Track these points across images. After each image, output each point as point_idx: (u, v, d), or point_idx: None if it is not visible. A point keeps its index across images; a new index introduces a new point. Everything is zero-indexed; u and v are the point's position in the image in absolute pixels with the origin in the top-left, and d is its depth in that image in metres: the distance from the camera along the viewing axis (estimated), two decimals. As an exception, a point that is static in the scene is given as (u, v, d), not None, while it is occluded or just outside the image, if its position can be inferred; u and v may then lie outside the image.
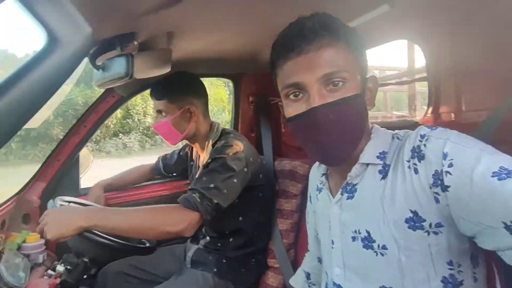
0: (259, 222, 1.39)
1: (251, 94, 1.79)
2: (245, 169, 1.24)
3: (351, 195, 0.71)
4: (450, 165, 0.55)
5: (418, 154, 0.61)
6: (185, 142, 1.52)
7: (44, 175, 1.42)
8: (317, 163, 0.92)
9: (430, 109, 1.10)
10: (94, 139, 8.47)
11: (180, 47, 1.27)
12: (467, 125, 0.96)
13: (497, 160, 0.53)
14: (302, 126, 0.67)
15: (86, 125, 1.46)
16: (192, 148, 1.57)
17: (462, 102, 1.01)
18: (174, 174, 1.71)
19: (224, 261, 1.34)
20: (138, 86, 1.53)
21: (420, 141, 0.61)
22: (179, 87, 1.34)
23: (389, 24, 1.13)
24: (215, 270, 1.32)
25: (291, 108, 0.68)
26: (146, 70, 1.24)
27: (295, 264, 1.36)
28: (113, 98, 1.50)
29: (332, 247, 0.75)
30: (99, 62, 0.99)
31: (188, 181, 1.66)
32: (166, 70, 1.29)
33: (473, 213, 0.53)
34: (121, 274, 1.37)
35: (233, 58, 1.56)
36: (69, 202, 1.27)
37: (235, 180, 1.20)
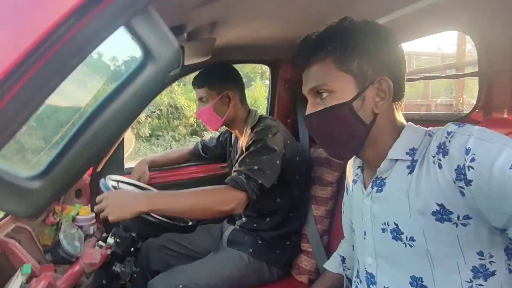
0: (295, 205, 1.43)
1: (288, 81, 1.79)
2: (283, 151, 1.31)
3: (380, 188, 0.75)
4: (472, 160, 0.57)
5: (443, 150, 0.63)
6: (224, 128, 1.59)
7: (93, 154, 1.52)
8: (353, 158, 0.95)
9: (480, 104, 1.05)
10: (176, 138, 8.93)
11: (221, 35, 1.29)
12: None
13: None
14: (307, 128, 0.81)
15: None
16: (231, 134, 1.64)
17: None
18: (212, 156, 1.78)
19: (260, 242, 1.40)
20: (177, 72, 1.57)
21: (446, 137, 0.64)
22: (217, 75, 1.45)
23: (440, 14, 1.08)
24: (250, 250, 1.38)
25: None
26: (192, 57, 1.30)
27: (328, 250, 1.39)
28: (157, 83, 1.56)
29: (365, 238, 0.79)
30: None
31: (225, 165, 1.73)
32: (209, 56, 1.34)
33: (496, 204, 0.56)
34: (162, 247, 1.47)
35: (271, 44, 1.56)
36: (118, 181, 1.36)
37: (277, 162, 1.26)
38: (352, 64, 0.71)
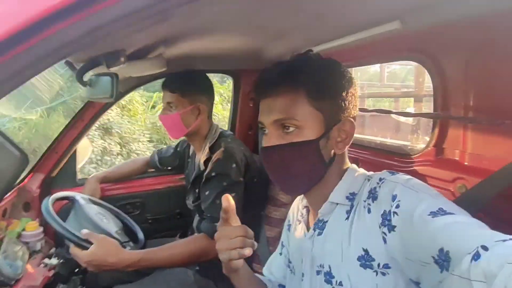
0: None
1: (251, 91, 1.75)
2: (244, 176, 1.31)
3: (321, 231, 0.74)
4: (397, 206, 0.59)
5: (373, 195, 0.65)
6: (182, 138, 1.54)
7: (43, 167, 1.48)
8: (300, 196, 0.94)
9: (432, 143, 1.03)
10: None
11: (176, 47, 1.24)
12: (471, 169, 0.91)
13: (438, 202, 0.57)
14: (262, 159, 0.76)
15: (83, 120, 1.49)
16: (189, 145, 1.60)
17: (469, 143, 0.93)
18: (169, 168, 1.75)
19: None
20: (134, 82, 1.53)
21: (378, 183, 0.66)
22: (193, 84, 1.39)
23: (398, 43, 1.06)
24: (197, 268, 1.38)
25: (261, 140, 0.76)
26: (140, 70, 1.24)
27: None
28: (110, 94, 1.51)
29: (302, 279, 0.79)
30: (85, 77, 0.99)
31: (183, 176, 1.70)
32: (161, 69, 1.28)
33: (413, 251, 0.56)
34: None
35: (232, 54, 1.51)
36: (62, 197, 1.32)
37: (242, 195, 1.28)
38: (324, 102, 0.69)
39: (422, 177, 1.01)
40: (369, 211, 0.65)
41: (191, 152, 1.57)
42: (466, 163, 0.94)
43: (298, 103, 0.69)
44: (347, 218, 0.69)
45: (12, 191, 1.41)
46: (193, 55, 1.44)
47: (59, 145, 1.49)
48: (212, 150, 1.34)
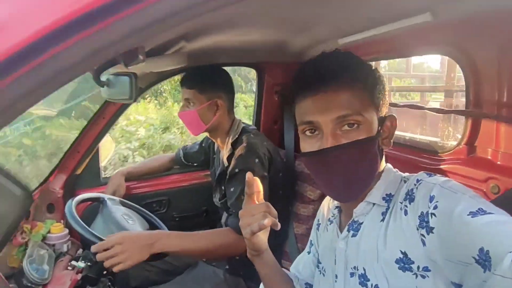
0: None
1: (276, 84, 1.68)
2: (268, 169, 1.28)
3: (355, 232, 0.72)
4: (435, 207, 0.58)
5: (410, 197, 0.64)
6: (205, 134, 1.52)
7: (65, 167, 1.45)
8: None
9: (464, 141, 0.98)
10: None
11: (199, 41, 1.18)
12: (505, 168, 0.86)
13: (477, 203, 0.55)
14: (315, 164, 0.70)
15: (104, 117, 1.44)
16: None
17: (502, 142, 0.88)
18: (194, 164, 1.71)
19: (237, 257, 1.35)
20: (155, 78, 1.48)
21: (415, 185, 0.64)
22: (211, 79, 1.36)
23: (428, 36, 1.00)
24: (227, 267, 1.36)
25: (306, 144, 0.70)
26: (160, 65, 1.19)
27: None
28: (131, 90, 1.46)
29: (336, 281, 0.76)
30: (103, 77, 0.93)
31: (208, 173, 1.67)
32: (182, 64, 1.23)
33: (453, 252, 0.55)
34: (141, 263, 1.42)
35: (257, 47, 1.46)
36: (86, 199, 1.29)
37: (266, 188, 1.22)
38: (375, 96, 0.68)
39: (452, 175, 0.99)
40: (405, 213, 0.63)
41: (216, 148, 1.55)
42: (499, 162, 0.90)
43: (360, 96, 0.65)
44: (383, 220, 0.68)
45: (35, 192, 1.38)
46: (216, 48, 1.39)
47: (81, 143, 1.45)
48: (234, 145, 1.33)
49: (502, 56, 0.84)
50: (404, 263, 0.62)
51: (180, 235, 1.18)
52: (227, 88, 1.39)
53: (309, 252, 0.94)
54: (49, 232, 1.33)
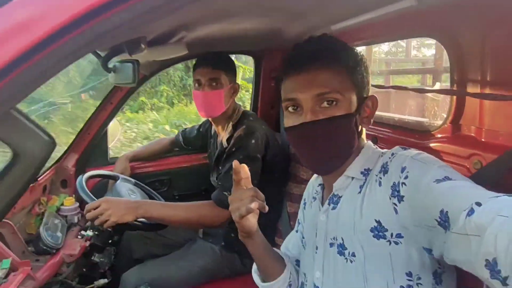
0: (270, 201, 1.43)
1: (272, 70, 1.76)
2: (264, 153, 1.34)
3: (335, 205, 0.77)
4: (406, 177, 0.62)
5: (384, 169, 0.68)
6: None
7: (77, 147, 1.59)
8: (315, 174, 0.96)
9: (449, 119, 1.01)
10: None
11: (198, 30, 1.26)
12: (487, 145, 0.88)
13: (445, 172, 0.59)
14: (296, 137, 0.75)
15: (112, 102, 1.57)
16: (211, 125, 1.63)
17: (486, 119, 0.90)
18: (193, 147, 1.81)
19: (232, 234, 1.42)
20: (159, 65, 1.57)
21: (389, 158, 0.69)
22: (233, 64, 1.46)
23: (414, 19, 1.03)
24: (223, 243, 1.44)
25: (289, 120, 0.74)
26: (162, 54, 1.28)
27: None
28: (136, 76, 1.57)
29: (316, 252, 0.81)
30: (110, 64, 1.04)
31: (206, 155, 1.75)
32: (182, 53, 1.32)
33: (420, 217, 0.59)
34: (144, 237, 1.56)
35: (254, 35, 1.51)
36: (96, 175, 1.42)
37: (258, 170, 1.30)
38: (357, 77, 0.72)
39: (438, 153, 1.00)
40: (380, 184, 0.67)
41: (213, 132, 1.61)
42: (482, 139, 0.92)
43: (340, 76, 0.70)
44: (360, 192, 0.72)
45: (51, 169, 1.53)
46: (215, 37, 1.45)
47: (91, 126, 1.59)
48: (235, 128, 1.38)
49: (485, 38, 0.86)
50: (378, 231, 0.66)
51: (163, 204, 1.29)
52: (237, 76, 1.48)
53: (297, 231, 0.99)
54: (62, 204, 1.46)
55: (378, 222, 0.66)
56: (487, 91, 0.89)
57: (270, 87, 1.79)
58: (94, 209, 1.16)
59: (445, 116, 1.06)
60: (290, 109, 0.74)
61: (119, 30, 0.51)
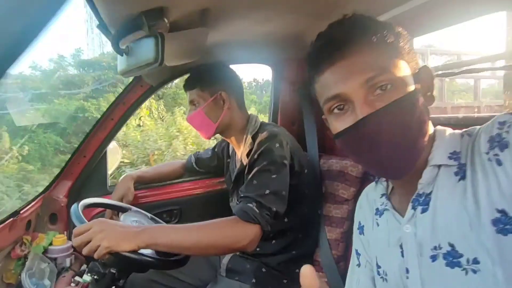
0: (305, 225, 1.26)
1: (293, 82, 1.59)
2: (292, 162, 1.16)
3: (425, 207, 0.61)
4: None
5: (499, 143, 0.54)
6: (220, 137, 1.41)
7: (70, 173, 1.33)
8: (368, 186, 0.81)
9: None
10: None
11: (216, 28, 1.10)
12: None
13: None
14: (353, 141, 0.60)
15: (113, 118, 1.34)
16: (228, 144, 1.46)
17: None
18: (207, 170, 1.60)
19: (264, 269, 1.22)
20: (168, 74, 1.39)
21: (500, 128, 0.55)
22: (210, 74, 1.30)
23: None
24: (253, 280, 1.20)
25: (337, 123, 0.62)
26: (178, 55, 1.10)
27: (345, 279, 1.19)
28: (142, 88, 1.37)
29: (407, 277, 0.63)
30: (123, 45, 0.84)
31: (222, 179, 1.55)
32: (200, 54, 1.15)
33: None
34: (151, 282, 1.28)
35: (274, 42, 1.38)
36: (94, 204, 1.16)
37: (287, 179, 1.11)
38: (400, 50, 0.60)
39: None
40: (498, 162, 0.53)
41: (230, 151, 1.45)
42: None
43: (384, 54, 0.58)
44: (463, 178, 0.57)
45: (37, 200, 1.26)
46: (230, 43, 1.30)
47: (87, 147, 1.34)
48: (255, 138, 1.21)
49: None
50: (504, 223, 0.51)
51: (174, 227, 1.07)
52: (232, 82, 1.31)
53: (358, 265, 0.80)
54: (51, 244, 1.21)
55: (502, 211, 0.51)
56: None
57: (291, 101, 1.62)
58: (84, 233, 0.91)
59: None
60: (335, 110, 0.61)
61: None
